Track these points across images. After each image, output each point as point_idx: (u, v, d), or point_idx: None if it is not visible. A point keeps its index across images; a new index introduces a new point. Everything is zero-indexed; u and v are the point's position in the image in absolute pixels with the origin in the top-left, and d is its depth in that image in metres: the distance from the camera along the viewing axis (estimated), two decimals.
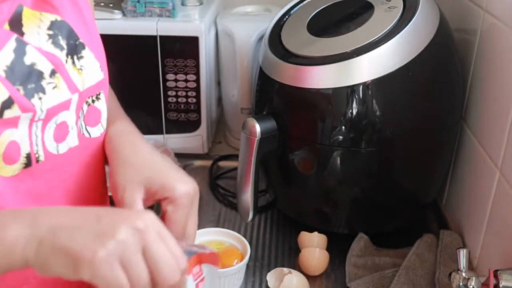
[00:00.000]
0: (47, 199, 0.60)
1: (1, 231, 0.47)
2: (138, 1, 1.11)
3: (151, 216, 0.49)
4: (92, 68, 0.63)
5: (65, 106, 0.59)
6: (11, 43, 0.54)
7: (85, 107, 0.63)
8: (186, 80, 1.14)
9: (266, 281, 0.87)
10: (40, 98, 0.55)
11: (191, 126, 1.19)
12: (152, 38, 1.10)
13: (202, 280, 0.55)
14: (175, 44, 1.11)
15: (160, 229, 0.49)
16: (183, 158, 1.16)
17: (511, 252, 0.75)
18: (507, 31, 0.79)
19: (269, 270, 0.89)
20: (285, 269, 0.87)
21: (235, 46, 1.16)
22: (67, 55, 0.60)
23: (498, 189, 0.81)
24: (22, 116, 0.54)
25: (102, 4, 1.13)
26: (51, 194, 0.61)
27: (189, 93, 1.15)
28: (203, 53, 1.11)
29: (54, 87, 0.57)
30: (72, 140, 0.61)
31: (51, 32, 0.58)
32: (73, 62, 0.60)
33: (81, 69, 0.61)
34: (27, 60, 0.55)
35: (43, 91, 0.56)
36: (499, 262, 0.78)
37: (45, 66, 0.56)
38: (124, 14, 1.13)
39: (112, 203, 0.70)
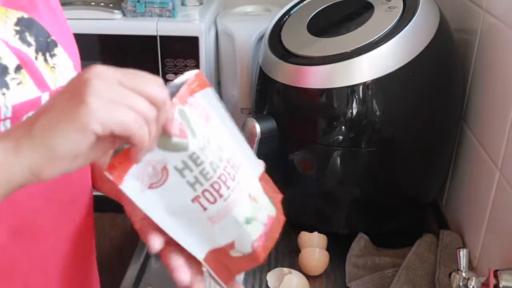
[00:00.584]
0: (27, 205, 0.57)
1: None
2: (138, 1, 1.11)
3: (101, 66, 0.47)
4: (66, 68, 0.62)
5: (34, 104, 0.57)
6: None
7: None
8: None
9: (266, 281, 0.87)
10: (3, 94, 0.53)
11: None
12: (152, 38, 1.10)
13: (207, 115, 0.51)
14: (175, 44, 1.11)
15: (118, 69, 0.47)
16: None
17: (511, 252, 0.75)
18: (507, 31, 0.79)
19: (269, 270, 0.89)
20: (285, 269, 0.87)
21: (235, 46, 1.16)
22: (36, 52, 0.58)
23: (498, 189, 0.81)
24: None
25: (102, 4, 1.13)
26: (32, 199, 0.58)
27: None
28: (203, 53, 1.11)
29: (18, 83, 0.55)
30: None
31: (18, 28, 0.57)
32: (45, 59, 0.59)
33: (54, 67, 0.59)
34: None
35: (6, 86, 0.54)
36: (499, 262, 0.78)
37: (10, 61, 0.55)
38: (124, 14, 1.13)
39: (96, 202, 0.70)
